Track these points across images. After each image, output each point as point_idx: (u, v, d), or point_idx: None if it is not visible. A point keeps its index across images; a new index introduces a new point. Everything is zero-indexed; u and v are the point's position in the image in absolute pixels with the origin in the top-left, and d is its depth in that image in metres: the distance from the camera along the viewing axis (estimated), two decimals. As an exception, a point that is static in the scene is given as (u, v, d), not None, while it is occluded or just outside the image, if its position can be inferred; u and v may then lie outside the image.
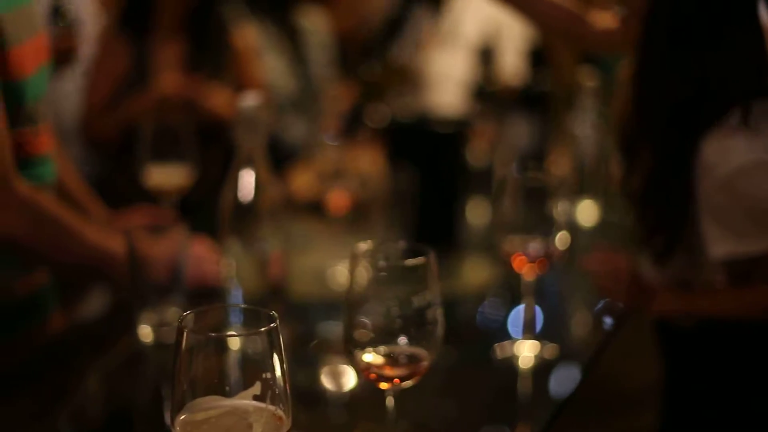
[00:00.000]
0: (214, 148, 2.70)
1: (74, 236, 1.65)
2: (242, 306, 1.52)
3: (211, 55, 2.68)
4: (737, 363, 1.66)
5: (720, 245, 1.54)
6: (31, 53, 1.68)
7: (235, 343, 1.50)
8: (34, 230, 1.61)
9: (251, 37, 2.93)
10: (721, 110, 1.53)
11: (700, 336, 1.66)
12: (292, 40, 3.37)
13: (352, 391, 1.45)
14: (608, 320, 1.76)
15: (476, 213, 2.59)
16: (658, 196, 1.58)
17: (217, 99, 2.65)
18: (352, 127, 3.06)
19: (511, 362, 1.54)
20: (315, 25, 3.59)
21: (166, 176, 2.10)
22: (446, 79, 4.34)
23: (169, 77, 2.61)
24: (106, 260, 1.65)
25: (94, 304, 1.98)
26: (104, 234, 1.72)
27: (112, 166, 2.73)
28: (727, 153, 1.51)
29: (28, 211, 1.59)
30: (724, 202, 1.52)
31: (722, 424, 1.69)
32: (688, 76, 1.54)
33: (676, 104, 1.55)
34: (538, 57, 2.92)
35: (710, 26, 1.53)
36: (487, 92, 2.97)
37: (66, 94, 2.73)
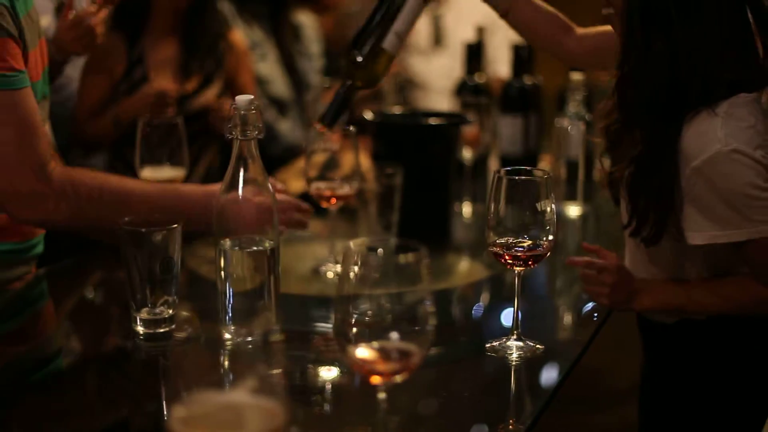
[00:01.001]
0: (208, 146, 2.71)
1: (124, 202, 1.69)
2: (236, 303, 1.54)
3: (206, 57, 2.67)
4: (719, 358, 1.68)
5: (700, 231, 1.56)
6: (39, 56, 1.74)
7: (230, 338, 1.52)
8: (78, 213, 1.66)
9: (242, 37, 2.93)
10: (701, 99, 1.55)
11: (681, 331, 1.69)
12: (283, 37, 3.38)
13: (345, 386, 1.47)
14: (594, 316, 1.79)
15: (468, 210, 2.61)
16: (645, 182, 1.60)
17: (209, 95, 2.65)
18: (338, 119, 3.07)
19: (500, 358, 1.56)
20: (306, 21, 3.61)
21: (160, 175, 2.11)
22: (437, 81, 4.35)
23: (162, 81, 2.59)
24: (171, 204, 1.70)
25: (88, 298, 1.99)
26: (151, 183, 1.77)
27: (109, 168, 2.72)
28: (704, 141, 1.53)
29: (66, 197, 1.65)
30: (702, 189, 1.54)
31: (702, 419, 1.71)
32: (663, 63, 1.56)
33: (656, 92, 1.57)
34: (527, 53, 2.92)
35: (683, 13, 1.55)
36: (476, 87, 2.98)
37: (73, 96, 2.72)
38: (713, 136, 1.52)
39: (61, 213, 1.65)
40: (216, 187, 1.63)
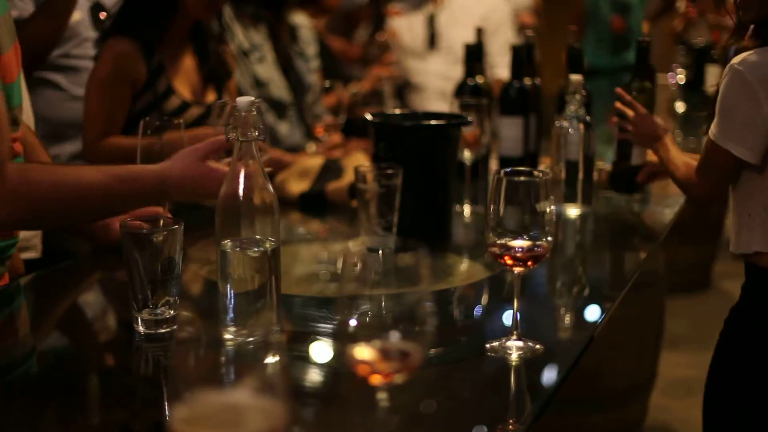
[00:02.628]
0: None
1: (83, 197, 1.67)
2: (237, 303, 1.55)
3: (217, 64, 2.65)
4: None
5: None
6: (14, 60, 1.73)
7: (231, 338, 1.53)
8: (35, 213, 1.64)
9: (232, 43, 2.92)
10: None
11: None
12: (281, 39, 3.39)
13: (345, 386, 1.48)
14: (593, 317, 1.79)
15: (467, 211, 2.62)
16: None
17: None
18: (343, 122, 3.08)
19: (500, 358, 1.56)
20: (303, 22, 3.62)
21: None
22: (433, 83, 4.35)
23: (183, 90, 2.55)
24: (127, 192, 1.70)
25: (89, 299, 2.00)
26: (107, 170, 1.73)
27: None
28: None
29: (20, 198, 1.61)
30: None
31: None
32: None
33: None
34: (526, 55, 2.93)
35: None
36: (475, 88, 2.99)
37: None
38: (741, 56, 1.83)
39: (17, 214, 1.62)
40: (171, 167, 1.74)
